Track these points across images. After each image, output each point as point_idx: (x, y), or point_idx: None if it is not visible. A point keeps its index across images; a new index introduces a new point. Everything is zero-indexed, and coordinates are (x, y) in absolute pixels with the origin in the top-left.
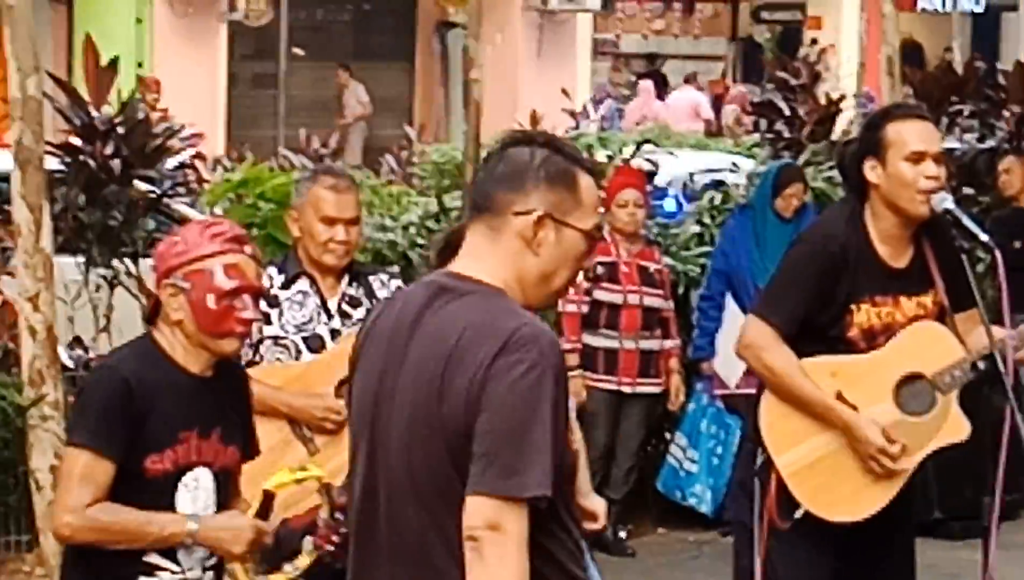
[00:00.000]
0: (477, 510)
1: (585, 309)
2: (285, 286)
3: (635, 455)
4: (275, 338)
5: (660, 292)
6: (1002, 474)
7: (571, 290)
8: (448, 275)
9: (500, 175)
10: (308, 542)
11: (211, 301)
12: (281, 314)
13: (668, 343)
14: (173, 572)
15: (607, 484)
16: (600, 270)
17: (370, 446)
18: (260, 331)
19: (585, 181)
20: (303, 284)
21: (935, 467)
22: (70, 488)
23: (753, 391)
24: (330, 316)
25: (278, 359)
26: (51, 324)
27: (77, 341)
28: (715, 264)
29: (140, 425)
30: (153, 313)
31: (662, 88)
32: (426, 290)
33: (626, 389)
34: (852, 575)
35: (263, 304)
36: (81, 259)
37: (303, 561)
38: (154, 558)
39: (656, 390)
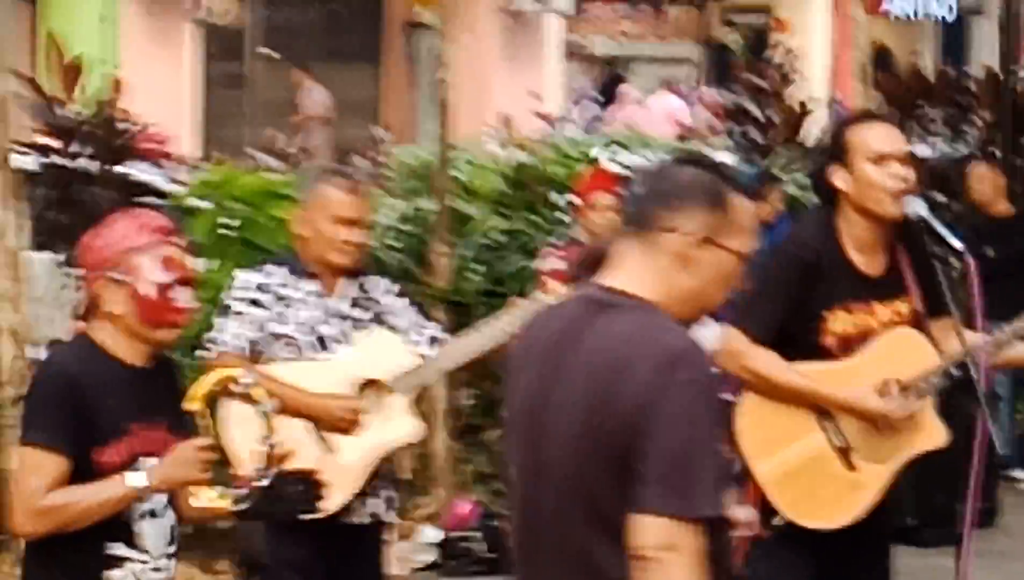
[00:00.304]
0: (649, 530)
1: None
2: (293, 285)
3: None
4: (284, 337)
5: None
6: (975, 481)
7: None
8: (602, 289)
9: (658, 192)
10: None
11: (150, 292)
12: (292, 313)
13: None
14: (141, 562)
15: None
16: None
17: (529, 457)
18: (267, 329)
19: (742, 204)
20: (310, 284)
21: (909, 474)
22: (25, 486)
23: (727, 398)
24: (336, 317)
25: (286, 358)
26: (28, 324)
27: (57, 343)
28: None
29: (89, 420)
30: (87, 309)
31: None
32: (582, 304)
33: None
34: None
35: (274, 302)
36: (60, 257)
37: (255, 489)
38: (121, 549)
39: None
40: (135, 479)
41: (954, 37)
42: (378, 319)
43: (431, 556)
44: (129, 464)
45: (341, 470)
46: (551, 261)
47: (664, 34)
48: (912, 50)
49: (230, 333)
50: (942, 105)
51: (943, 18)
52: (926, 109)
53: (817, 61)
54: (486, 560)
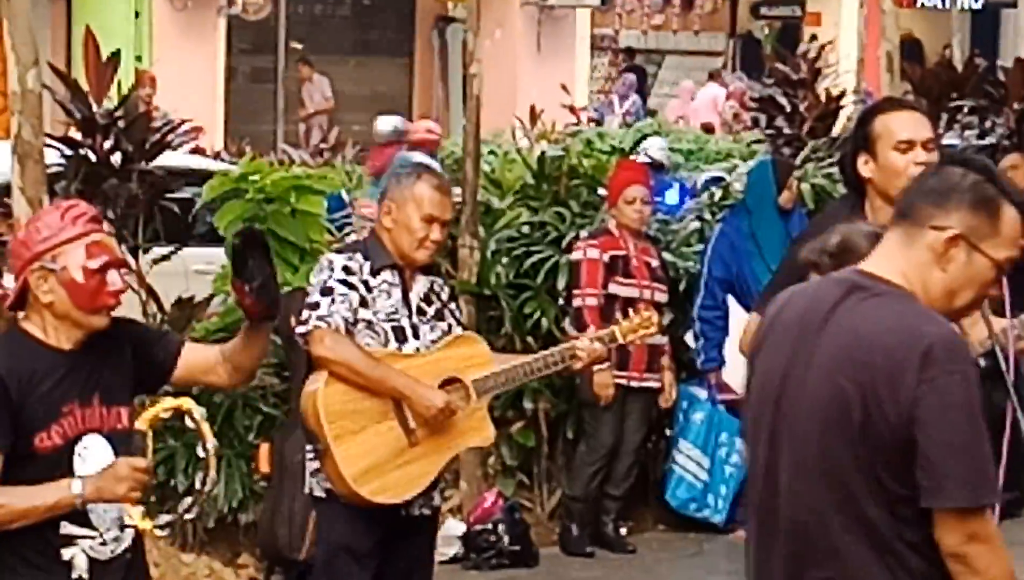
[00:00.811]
0: (951, 527)
1: (602, 302)
2: (373, 274)
3: (636, 452)
4: (368, 323)
5: (664, 287)
6: (1003, 472)
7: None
8: (860, 273)
9: (928, 188)
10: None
11: (83, 279)
12: (374, 301)
13: (662, 339)
14: (91, 538)
15: (609, 480)
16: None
17: (772, 427)
18: (356, 313)
19: (1009, 214)
20: (389, 275)
21: None
22: None
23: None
24: (410, 311)
25: (367, 344)
26: None
27: None
28: (714, 272)
29: (19, 412)
30: (17, 302)
31: (643, 84)
32: (838, 286)
33: (634, 383)
34: None
35: (362, 288)
36: None
37: (185, 503)
38: (70, 528)
39: (656, 385)
40: (76, 486)
41: (985, 29)
42: (440, 316)
43: (455, 548)
44: (70, 445)
45: (418, 463)
46: (587, 251)
47: (694, 27)
48: (945, 44)
49: (327, 310)
50: (972, 96)
51: (973, 9)
52: (956, 100)
53: (847, 53)
54: (510, 553)
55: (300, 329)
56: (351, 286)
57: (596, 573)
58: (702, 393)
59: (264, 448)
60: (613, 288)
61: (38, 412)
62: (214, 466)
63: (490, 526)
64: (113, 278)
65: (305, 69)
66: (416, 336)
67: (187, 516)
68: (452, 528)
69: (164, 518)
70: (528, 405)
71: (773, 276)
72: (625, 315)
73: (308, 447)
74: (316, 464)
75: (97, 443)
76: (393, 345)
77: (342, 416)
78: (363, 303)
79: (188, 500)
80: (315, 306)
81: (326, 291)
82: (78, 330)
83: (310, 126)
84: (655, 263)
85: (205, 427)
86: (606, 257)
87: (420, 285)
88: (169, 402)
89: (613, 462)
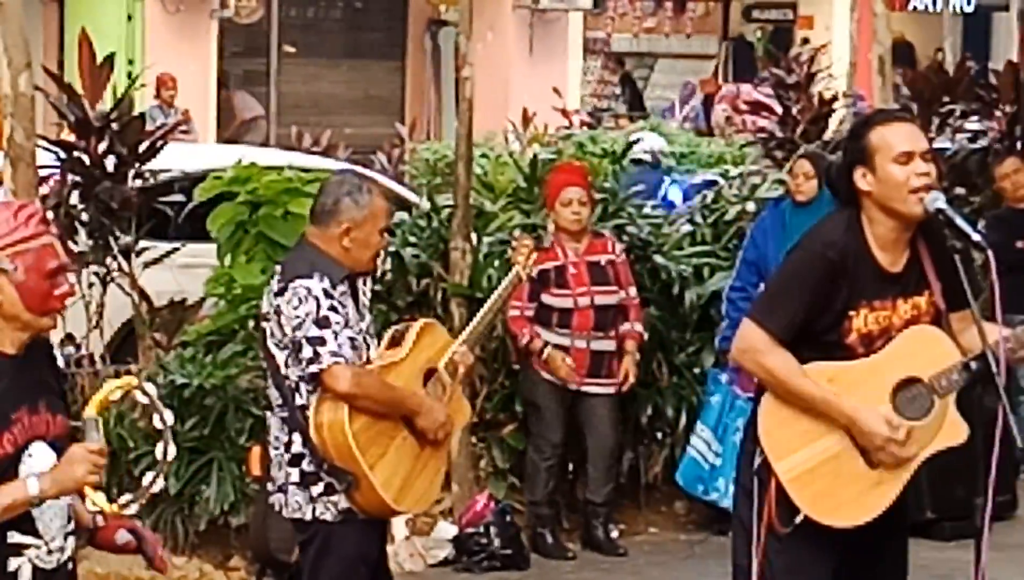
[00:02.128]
0: None
1: (530, 313)
2: (334, 289)
3: (611, 456)
4: (352, 340)
5: (612, 287)
6: (994, 474)
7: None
8: None
9: None
10: (149, 476)
11: (36, 281)
12: (347, 317)
13: (625, 326)
14: (37, 547)
15: (586, 486)
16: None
17: None
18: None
19: None
20: (345, 287)
21: (927, 468)
22: None
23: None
24: (362, 317)
25: (352, 361)
26: None
27: (69, 338)
28: (745, 255)
29: None
30: None
31: (634, 89)
32: None
33: (572, 386)
34: (847, 575)
35: (341, 309)
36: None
37: (148, 478)
38: (16, 537)
39: (613, 390)
40: (33, 483)
41: (976, 32)
42: (369, 311)
43: (446, 551)
44: (18, 452)
45: (431, 463)
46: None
47: (686, 30)
48: (937, 47)
49: (335, 344)
50: (964, 99)
51: (965, 13)
52: (947, 103)
53: (839, 56)
54: (501, 555)
55: (312, 367)
56: (336, 310)
57: (587, 575)
58: (723, 376)
59: (255, 451)
60: (547, 299)
61: None
62: (171, 438)
63: (481, 529)
64: (62, 281)
65: (224, 93)
66: (372, 339)
67: (153, 490)
68: (443, 531)
69: (127, 496)
70: (519, 408)
71: (769, 283)
72: (561, 324)
73: (301, 474)
74: (319, 489)
75: (41, 450)
76: (364, 355)
77: (370, 444)
78: (347, 323)
79: (150, 475)
80: (321, 341)
81: (323, 323)
82: (24, 332)
83: (254, 132)
84: (605, 260)
85: (158, 401)
86: (534, 271)
87: (361, 288)
88: (115, 383)
89: (582, 466)
